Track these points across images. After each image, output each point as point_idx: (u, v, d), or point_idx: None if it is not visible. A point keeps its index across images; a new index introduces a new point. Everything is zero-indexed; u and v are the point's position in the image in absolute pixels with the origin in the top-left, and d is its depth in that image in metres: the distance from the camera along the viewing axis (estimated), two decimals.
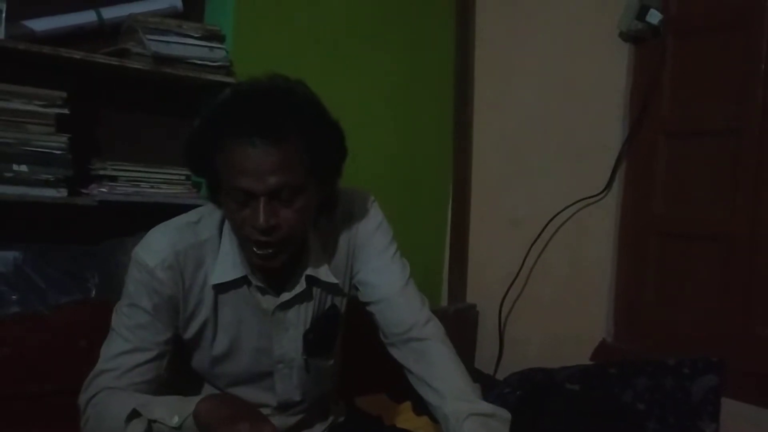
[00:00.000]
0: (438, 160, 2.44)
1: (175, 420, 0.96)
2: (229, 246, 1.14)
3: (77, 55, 1.64)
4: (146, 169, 1.78)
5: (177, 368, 1.22)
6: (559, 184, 2.14)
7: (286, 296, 1.18)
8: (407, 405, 1.77)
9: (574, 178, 2.10)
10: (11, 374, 1.48)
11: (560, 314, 2.16)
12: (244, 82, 1.10)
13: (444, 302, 2.47)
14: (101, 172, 1.73)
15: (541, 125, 2.20)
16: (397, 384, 1.26)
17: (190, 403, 0.97)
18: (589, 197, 2.06)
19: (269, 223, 1.03)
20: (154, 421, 0.98)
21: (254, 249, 1.07)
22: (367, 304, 1.25)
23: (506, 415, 1.14)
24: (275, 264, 1.10)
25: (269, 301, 1.18)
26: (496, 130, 2.36)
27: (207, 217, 1.16)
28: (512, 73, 2.30)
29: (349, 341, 1.40)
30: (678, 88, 1.94)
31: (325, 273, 1.20)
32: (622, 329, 2.05)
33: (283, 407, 1.26)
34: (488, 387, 1.91)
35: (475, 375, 2.22)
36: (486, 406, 1.13)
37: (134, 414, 0.99)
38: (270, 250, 1.07)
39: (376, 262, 1.24)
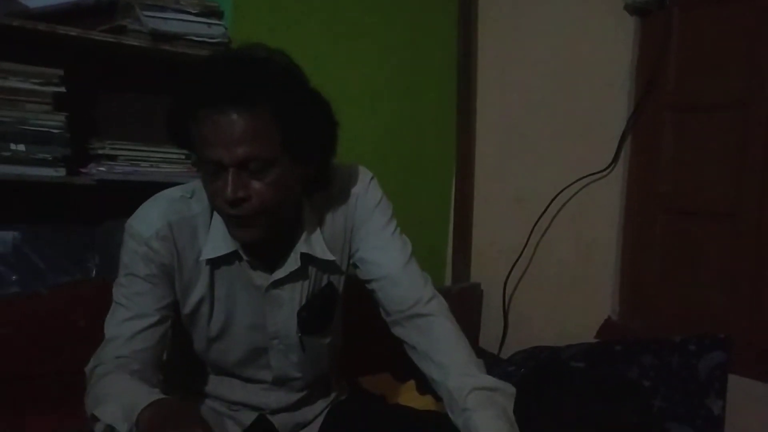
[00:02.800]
0: (441, 137, 2.42)
1: (125, 427, 0.93)
2: (220, 220, 1.12)
3: (73, 32, 1.61)
4: (145, 148, 1.76)
5: (178, 351, 1.22)
6: (563, 160, 2.12)
7: (279, 273, 1.16)
8: (411, 384, 1.78)
9: (579, 154, 2.08)
10: (11, 354, 1.48)
11: (565, 292, 2.15)
12: (220, 50, 1.06)
13: (448, 281, 2.46)
14: (100, 152, 1.71)
15: (546, 100, 2.18)
16: (401, 364, 1.25)
17: (137, 410, 0.93)
18: (594, 173, 2.04)
19: (236, 195, 1.00)
20: (112, 427, 0.95)
21: (227, 221, 1.06)
22: (368, 281, 1.22)
23: (510, 389, 1.13)
24: (252, 236, 1.07)
25: (262, 278, 1.16)
26: (499, 105, 2.33)
27: (199, 191, 1.14)
28: (516, 48, 2.27)
29: (353, 322, 1.38)
30: (684, 62, 1.91)
31: (321, 250, 1.17)
32: (628, 307, 2.04)
33: (281, 382, 1.25)
34: (493, 366, 1.90)
35: (480, 354, 2.21)
36: (490, 381, 1.12)
37: (95, 416, 0.97)
38: (239, 223, 1.04)
39: (377, 240, 1.21)
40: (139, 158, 1.75)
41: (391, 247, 1.22)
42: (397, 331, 1.20)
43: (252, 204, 1.02)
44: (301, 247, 1.15)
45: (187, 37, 1.76)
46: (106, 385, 1.02)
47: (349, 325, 1.39)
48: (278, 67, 1.03)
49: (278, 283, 1.17)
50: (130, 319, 1.10)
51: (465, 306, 2.35)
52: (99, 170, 1.69)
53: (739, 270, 1.80)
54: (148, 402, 0.93)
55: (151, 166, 1.76)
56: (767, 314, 1.76)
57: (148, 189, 1.52)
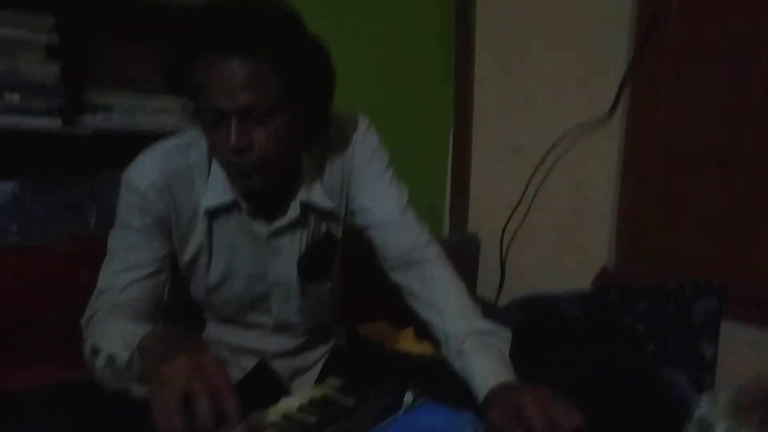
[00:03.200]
0: (440, 88, 2.40)
1: (126, 355, 0.94)
2: (218, 170, 1.12)
3: None
4: (141, 98, 1.74)
5: (178, 297, 1.23)
6: (561, 109, 2.11)
7: (279, 222, 1.17)
8: (409, 331, 1.81)
9: (578, 102, 2.06)
10: (14, 303, 1.50)
11: (562, 241, 2.17)
12: None
13: (446, 232, 2.48)
14: (95, 102, 1.70)
15: (544, 48, 2.15)
16: (400, 311, 1.27)
17: (137, 338, 0.95)
18: (591, 123, 2.03)
19: (240, 143, 1.00)
20: (113, 356, 0.96)
21: (229, 170, 1.06)
22: (365, 228, 1.23)
23: (507, 333, 1.15)
24: (253, 185, 1.07)
25: (262, 227, 1.17)
26: (498, 53, 2.30)
27: (196, 140, 1.14)
28: None
29: (353, 270, 1.40)
30: (685, 9, 1.88)
31: (320, 197, 1.18)
32: (624, 255, 2.06)
33: (282, 328, 1.27)
34: (490, 314, 1.93)
35: (477, 303, 2.25)
36: (486, 325, 1.14)
37: (96, 349, 0.98)
38: (243, 171, 1.04)
39: (374, 187, 1.22)
40: (135, 108, 1.73)
41: (389, 194, 1.23)
42: (395, 276, 1.22)
43: (255, 153, 1.02)
44: (300, 195, 1.16)
45: None
46: (105, 325, 1.04)
47: (349, 274, 1.41)
48: (278, 13, 1.02)
49: (278, 232, 1.18)
50: (125, 270, 1.11)
51: (462, 256, 2.38)
52: (95, 121, 1.68)
53: (734, 218, 1.82)
54: (146, 333, 0.95)
55: (148, 116, 1.75)
56: (760, 261, 1.78)
57: (145, 139, 1.52)
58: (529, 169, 2.18)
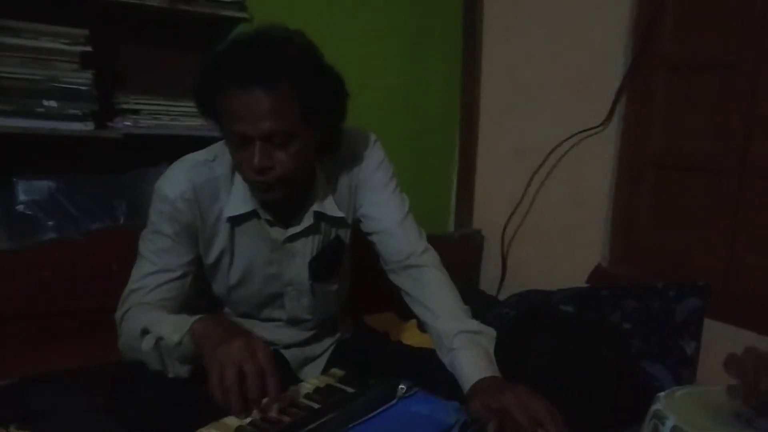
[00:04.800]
0: (447, 91, 2.49)
1: (176, 337, 1.09)
2: (240, 182, 1.24)
3: None
4: (166, 102, 1.85)
5: (200, 293, 1.35)
6: (562, 115, 2.21)
7: (294, 230, 1.29)
8: (413, 323, 1.90)
9: (576, 109, 2.16)
10: (52, 294, 1.63)
11: (559, 240, 2.27)
12: (243, 32, 1.17)
13: (451, 228, 2.59)
14: (124, 106, 1.82)
15: (547, 56, 2.25)
16: (404, 304, 1.36)
17: (189, 322, 1.09)
18: (590, 129, 2.13)
19: (263, 164, 1.12)
20: (161, 338, 1.11)
21: (252, 186, 1.19)
22: (369, 234, 1.35)
23: (492, 332, 1.26)
24: (273, 198, 1.19)
25: (279, 233, 1.29)
26: (503, 60, 2.40)
27: (221, 155, 1.26)
28: (521, 4, 2.33)
29: (361, 265, 1.49)
30: (679, 23, 1.97)
31: (331, 208, 1.30)
32: (617, 254, 2.16)
33: (293, 322, 1.40)
34: (490, 307, 2.04)
35: (479, 296, 2.37)
36: (474, 325, 1.25)
37: (145, 331, 1.13)
38: (265, 188, 1.16)
39: (378, 197, 1.33)
40: (161, 112, 1.85)
41: (391, 203, 1.34)
42: (394, 278, 1.34)
43: (276, 172, 1.14)
44: (314, 206, 1.28)
45: None
46: (149, 314, 1.16)
47: (358, 269, 1.51)
48: (297, 48, 1.13)
49: (293, 238, 1.30)
50: (155, 273, 1.24)
51: (467, 251, 2.49)
52: (125, 124, 1.80)
53: (718, 223, 1.91)
54: (199, 317, 1.09)
55: (172, 119, 1.86)
56: (743, 263, 1.88)
57: (171, 141, 1.62)
58: (530, 170, 2.28)
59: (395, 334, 1.89)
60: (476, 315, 1.32)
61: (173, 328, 1.10)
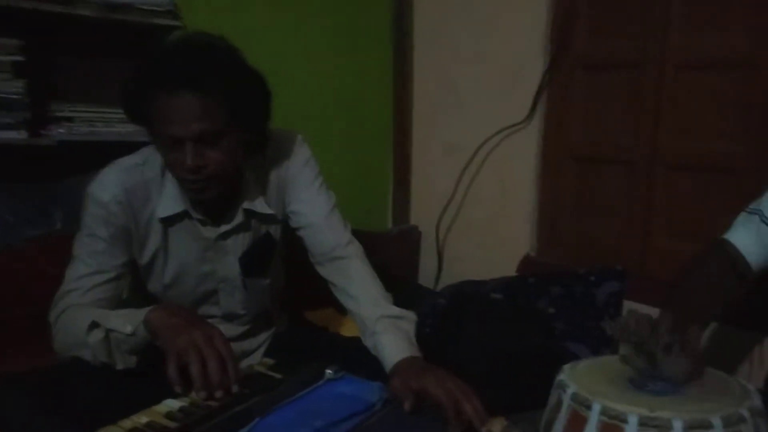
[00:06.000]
0: (380, 87, 2.54)
1: (129, 329, 1.14)
2: (171, 184, 1.29)
3: (26, 5, 1.70)
4: (100, 110, 1.86)
5: (136, 292, 1.40)
6: (487, 113, 2.30)
7: (225, 227, 1.35)
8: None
9: (501, 108, 2.26)
10: None
11: (490, 232, 2.38)
12: (169, 40, 1.23)
13: (389, 224, 2.66)
14: (59, 114, 1.82)
15: (472, 58, 2.35)
16: None
17: (142, 313, 1.15)
18: (515, 125, 2.24)
19: (196, 163, 1.18)
20: (112, 331, 1.15)
21: (186, 186, 1.24)
22: (297, 229, 1.42)
23: (413, 316, 1.33)
24: (207, 197, 1.25)
25: (210, 231, 1.34)
26: (433, 59, 2.48)
27: (151, 158, 1.31)
28: (447, 8, 2.41)
29: (301, 262, 1.52)
30: (592, 25, 2.09)
31: (260, 205, 1.36)
32: (544, 244, 2.27)
33: (228, 318, 1.46)
34: (425, 298, 2.12)
35: (418, 290, 2.45)
36: (395, 310, 1.32)
37: (94, 325, 1.17)
38: (200, 187, 1.22)
39: (305, 194, 1.40)
40: (96, 119, 1.86)
41: (317, 199, 1.41)
42: (321, 271, 1.41)
43: (208, 170, 1.20)
44: (244, 204, 1.34)
45: (137, 6, 1.87)
46: (90, 312, 1.20)
47: (299, 265, 1.54)
48: (222, 51, 1.20)
49: (224, 236, 1.36)
50: (90, 275, 1.27)
51: (405, 246, 2.57)
52: (59, 132, 1.80)
53: (632, 211, 2.03)
54: (153, 307, 1.14)
55: (106, 126, 1.87)
56: (656, 248, 2.01)
57: (105, 147, 1.64)
58: (461, 166, 2.37)
59: (334, 328, 1.94)
60: (411, 305, 1.39)
61: (124, 320, 1.15)
